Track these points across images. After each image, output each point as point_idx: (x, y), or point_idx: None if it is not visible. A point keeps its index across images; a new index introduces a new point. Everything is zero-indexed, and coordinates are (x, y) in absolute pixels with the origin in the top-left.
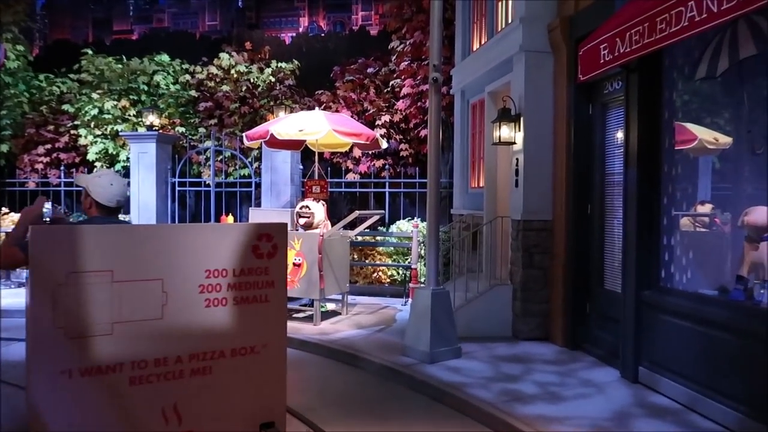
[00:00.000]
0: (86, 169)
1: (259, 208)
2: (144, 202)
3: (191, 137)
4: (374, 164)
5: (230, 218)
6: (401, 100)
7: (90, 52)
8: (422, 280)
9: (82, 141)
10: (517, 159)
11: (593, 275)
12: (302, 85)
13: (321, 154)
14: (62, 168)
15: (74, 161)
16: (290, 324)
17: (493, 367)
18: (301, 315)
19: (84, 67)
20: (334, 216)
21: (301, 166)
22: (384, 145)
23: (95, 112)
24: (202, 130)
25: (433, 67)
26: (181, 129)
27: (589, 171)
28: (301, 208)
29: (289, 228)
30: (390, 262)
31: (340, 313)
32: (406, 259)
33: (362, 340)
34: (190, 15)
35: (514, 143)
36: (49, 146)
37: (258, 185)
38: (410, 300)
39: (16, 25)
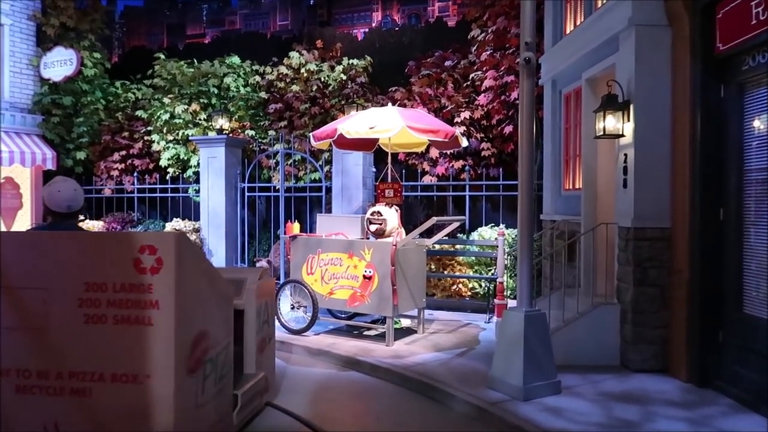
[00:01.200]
0: (158, 176)
1: (328, 215)
2: (213, 208)
3: (261, 140)
4: (453, 165)
5: (296, 225)
6: (482, 95)
7: (162, 56)
8: (508, 293)
9: (155, 147)
10: (625, 155)
11: (728, 296)
12: (375, 82)
13: (395, 156)
14: (135, 174)
15: (148, 167)
16: (360, 344)
17: (603, 409)
18: (372, 333)
19: (156, 72)
20: (409, 223)
21: (374, 169)
22: (464, 143)
23: (167, 117)
24: (271, 132)
25: (525, 45)
26: (251, 132)
27: (721, 167)
28: (372, 215)
29: (359, 236)
30: (471, 274)
31: (415, 332)
32: (490, 271)
33: (441, 366)
34: (262, 16)
35: (622, 135)
36: (123, 153)
37: (329, 190)
38: (495, 317)
39: (93, 33)
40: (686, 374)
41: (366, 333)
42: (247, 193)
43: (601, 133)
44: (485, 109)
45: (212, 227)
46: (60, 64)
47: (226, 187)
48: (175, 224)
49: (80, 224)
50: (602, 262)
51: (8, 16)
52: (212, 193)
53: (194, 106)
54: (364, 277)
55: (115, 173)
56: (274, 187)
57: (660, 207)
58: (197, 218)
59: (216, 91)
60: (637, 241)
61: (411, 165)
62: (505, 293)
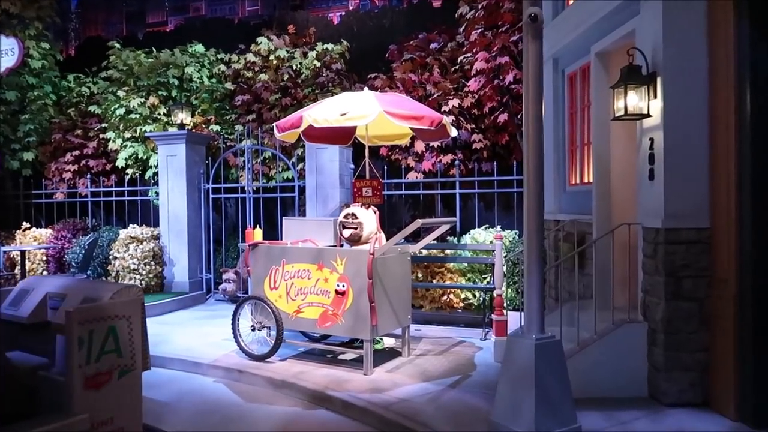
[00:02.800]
0: (115, 177)
1: (295, 218)
2: (174, 212)
3: (227, 136)
4: (441, 160)
5: (258, 232)
6: (473, 79)
7: (117, 45)
8: (507, 306)
9: (111, 146)
10: (651, 139)
11: None
12: (353, 69)
13: (375, 150)
14: (89, 176)
15: (104, 168)
16: (333, 372)
17: None
18: (348, 357)
19: (111, 63)
20: (392, 225)
21: (353, 165)
22: (453, 132)
23: (122, 112)
24: (239, 127)
25: None
26: (216, 127)
27: None
28: (345, 217)
29: (331, 242)
30: (464, 283)
31: (400, 354)
32: (485, 279)
33: (430, 402)
34: (229, 1)
35: (647, 116)
36: (77, 153)
37: (302, 190)
38: (493, 334)
39: (40, 21)
40: (735, 411)
41: (341, 357)
42: (212, 195)
43: (621, 113)
44: (476, 96)
45: (173, 233)
46: (2, 54)
47: (188, 188)
48: (131, 231)
49: (25, 232)
50: (621, 269)
51: None
52: (172, 195)
53: (152, 100)
54: (337, 292)
55: (67, 175)
56: (242, 187)
57: (697, 203)
58: (158, 224)
59: (177, 83)
60: (668, 245)
61: (394, 160)
62: (504, 308)
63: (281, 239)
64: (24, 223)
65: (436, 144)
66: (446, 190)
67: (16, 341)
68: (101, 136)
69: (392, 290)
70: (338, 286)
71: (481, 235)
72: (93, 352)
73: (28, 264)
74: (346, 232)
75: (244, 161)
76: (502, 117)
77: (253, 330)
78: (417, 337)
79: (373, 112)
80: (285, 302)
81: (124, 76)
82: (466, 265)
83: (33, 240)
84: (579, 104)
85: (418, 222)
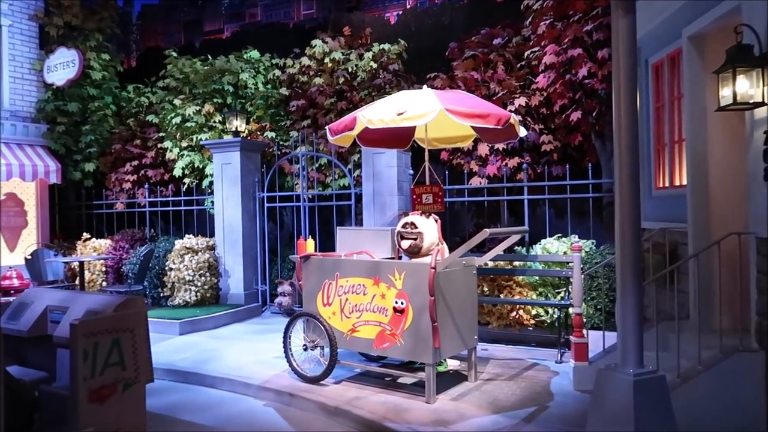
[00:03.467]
0: (173, 187)
1: (350, 228)
2: (229, 221)
3: (282, 143)
4: (507, 164)
5: (310, 243)
6: (541, 75)
7: (174, 54)
8: (585, 324)
9: (168, 155)
10: (766, 132)
11: None
12: (411, 69)
13: (436, 155)
14: (147, 186)
15: (162, 178)
16: (391, 398)
17: None
18: (408, 380)
19: (168, 72)
20: (454, 235)
21: (411, 171)
22: (522, 132)
23: (178, 120)
24: (294, 133)
25: None
26: (271, 134)
27: None
28: (403, 227)
29: (388, 254)
30: (535, 298)
31: (465, 377)
32: (558, 294)
33: None
34: (284, 5)
35: (761, 104)
36: (136, 163)
37: (359, 197)
38: (571, 359)
39: (101, 33)
40: None
41: (401, 380)
42: (267, 204)
43: (728, 102)
44: (545, 94)
45: (228, 243)
46: (63, 66)
47: (242, 196)
48: (186, 241)
49: (86, 243)
50: (728, 287)
51: (7, 17)
52: (227, 204)
53: (208, 107)
54: (395, 309)
55: (127, 185)
56: (298, 195)
57: None
58: (214, 233)
59: (232, 90)
60: None
61: (456, 165)
62: (583, 328)
63: (336, 250)
64: (84, 234)
65: (501, 146)
66: (513, 196)
67: (15, 355)
68: (159, 145)
69: (456, 307)
70: (396, 303)
71: (553, 245)
72: (98, 365)
73: (87, 275)
74: (405, 243)
75: (299, 168)
76: (575, 115)
77: (306, 350)
78: (484, 358)
79: (432, 111)
80: (339, 320)
81: (180, 85)
82: (537, 278)
83: (93, 251)
84: (667, 97)
85: (486, 232)
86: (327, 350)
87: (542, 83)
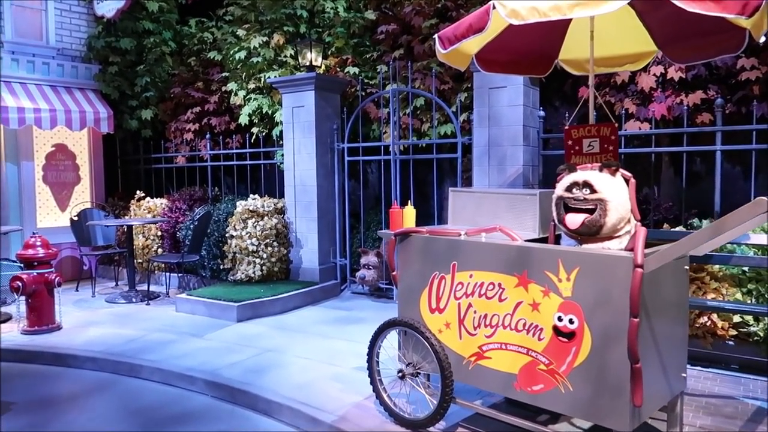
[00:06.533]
0: (239, 138)
1: (474, 190)
2: (301, 179)
3: (368, 81)
4: (683, 100)
5: (409, 211)
6: None
7: None
8: None
9: (233, 99)
10: None
11: None
12: None
13: (570, 93)
14: (208, 137)
15: (228, 127)
16: None
17: None
18: None
19: None
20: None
21: (542, 112)
22: (763, 38)
23: (243, 55)
24: (382, 68)
25: None
26: (354, 69)
27: None
28: (571, 189)
29: (534, 234)
30: (738, 300)
31: None
32: None
33: None
34: None
35: None
36: (198, 109)
37: (467, 149)
38: None
39: None
40: None
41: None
42: (347, 157)
43: None
44: None
45: (301, 206)
46: None
47: (317, 148)
48: (250, 203)
49: (140, 202)
50: None
51: None
52: (300, 157)
53: (277, 38)
54: (557, 331)
55: (188, 136)
56: (387, 147)
57: None
58: (281, 194)
59: (306, 15)
60: None
61: (600, 105)
62: None
63: (444, 222)
64: (138, 192)
65: (676, 74)
66: (696, 146)
67: None
68: (223, 88)
69: (663, 331)
70: (560, 320)
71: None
72: None
73: (142, 240)
74: (574, 219)
75: (388, 113)
76: None
77: (402, 378)
78: None
79: None
80: (455, 336)
81: (246, 12)
82: (746, 269)
83: (147, 212)
84: None
85: (763, 201)
86: (436, 383)
87: None
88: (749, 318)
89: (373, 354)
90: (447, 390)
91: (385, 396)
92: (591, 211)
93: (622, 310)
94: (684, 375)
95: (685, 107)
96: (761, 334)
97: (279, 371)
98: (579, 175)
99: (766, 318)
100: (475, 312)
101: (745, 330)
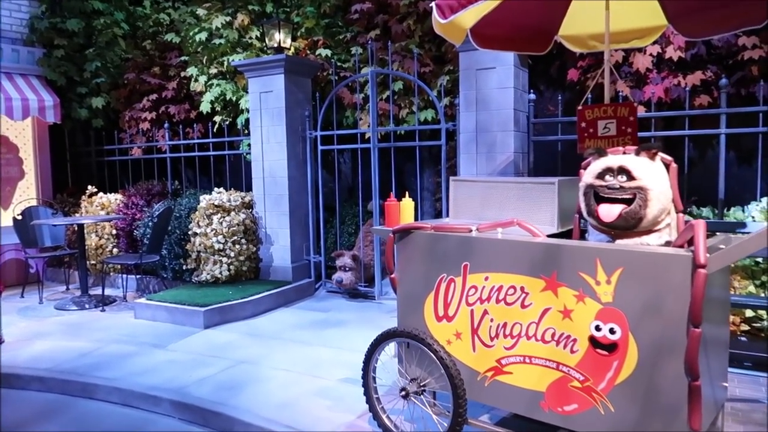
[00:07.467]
0: (201, 128)
1: (479, 179)
2: (271, 170)
3: (341, 64)
4: (682, 83)
5: (407, 203)
6: None
7: None
8: None
9: (194, 86)
10: None
11: None
12: None
13: (558, 77)
14: (167, 126)
15: (188, 116)
16: None
17: None
18: None
19: None
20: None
21: (532, 95)
22: None
23: (203, 37)
24: (356, 50)
25: None
26: (326, 51)
27: None
28: (602, 176)
29: (554, 228)
30: (750, 293)
31: None
32: None
33: None
34: None
35: None
36: (155, 97)
37: (451, 135)
38: None
39: None
40: None
41: None
42: (321, 146)
43: None
44: None
45: (270, 200)
46: None
47: (288, 137)
48: (215, 197)
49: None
50: None
51: None
52: (269, 147)
53: (241, 18)
54: (595, 342)
55: (144, 126)
56: (363, 134)
57: None
58: (248, 188)
59: None
60: None
61: (593, 88)
62: None
63: (449, 216)
64: (89, 187)
65: (674, 54)
66: (695, 129)
67: None
68: (182, 74)
69: (712, 336)
70: (598, 329)
71: None
72: None
73: (95, 239)
74: (610, 210)
75: (364, 98)
76: None
77: (405, 397)
78: None
79: None
80: (468, 348)
81: None
82: (759, 261)
83: (100, 208)
84: None
85: None
86: (447, 403)
87: None
88: (762, 312)
89: (369, 369)
90: (460, 411)
91: (384, 418)
92: (628, 201)
93: (677, 318)
94: (726, 384)
95: (686, 88)
96: None
97: (256, 387)
98: (613, 160)
99: None
100: (491, 320)
101: (758, 325)
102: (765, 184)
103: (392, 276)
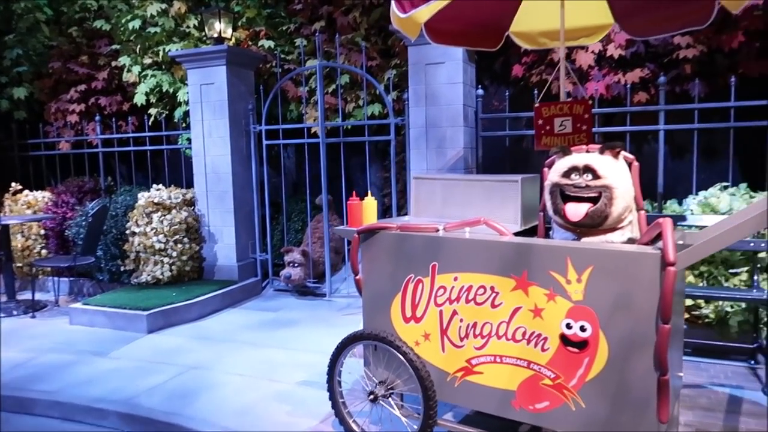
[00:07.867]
0: (135, 121)
1: (443, 177)
2: (213, 165)
3: (285, 57)
4: (622, 80)
5: (370, 202)
6: None
7: None
8: None
9: (126, 76)
10: None
11: None
12: None
13: (503, 72)
14: (98, 119)
15: (120, 108)
16: None
17: None
18: None
19: None
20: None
21: (481, 91)
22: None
23: (137, 25)
24: (301, 41)
25: None
26: (269, 43)
27: None
28: (568, 175)
29: (518, 226)
30: (689, 283)
31: None
32: (734, 275)
33: None
34: None
35: None
36: (83, 88)
37: (400, 130)
38: None
39: None
40: None
41: None
42: (265, 141)
43: None
44: None
45: (214, 197)
46: None
47: (231, 131)
48: (154, 194)
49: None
50: None
51: None
52: (210, 142)
53: (178, 6)
54: (565, 340)
55: (73, 118)
56: (309, 129)
57: None
58: (192, 183)
59: None
60: None
61: (534, 84)
62: None
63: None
64: (13, 184)
65: (615, 53)
66: (638, 125)
67: None
68: (114, 63)
69: (673, 329)
70: (569, 327)
71: (721, 200)
72: None
73: (21, 240)
74: (577, 209)
75: (309, 91)
76: None
77: (374, 401)
78: None
79: None
80: (437, 349)
81: None
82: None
83: (26, 207)
84: None
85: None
86: (417, 406)
87: None
88: (701, 301)
89: (335, 374)
90: (431, 413)
91: (351, 422)
92: (594, 200)
93: (647, 315)
94: (681, 374)
95: (627, 85)
96: (713, 317)
97: (210, 394)
98: (579, 159)
99: (721, 305)
100: (461, 320)
101: (696, 313)
102: (699, 178)
103: (357, 278)
